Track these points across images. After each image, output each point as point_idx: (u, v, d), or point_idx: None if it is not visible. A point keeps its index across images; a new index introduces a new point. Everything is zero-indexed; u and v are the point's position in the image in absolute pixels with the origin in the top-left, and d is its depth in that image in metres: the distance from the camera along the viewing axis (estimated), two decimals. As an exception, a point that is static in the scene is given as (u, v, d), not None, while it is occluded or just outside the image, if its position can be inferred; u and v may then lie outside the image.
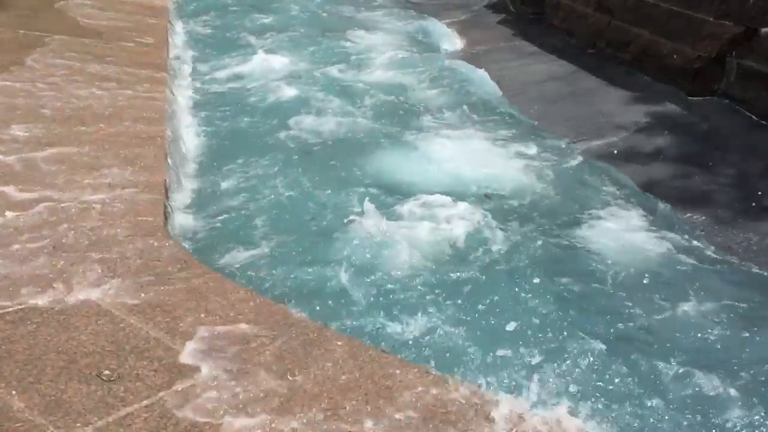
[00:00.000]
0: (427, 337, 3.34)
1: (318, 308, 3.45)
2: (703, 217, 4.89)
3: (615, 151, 6.07)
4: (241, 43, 8.76)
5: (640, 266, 4.10)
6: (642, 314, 3.67)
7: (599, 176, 5.47)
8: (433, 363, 3.09)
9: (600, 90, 7.63)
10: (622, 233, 4.51)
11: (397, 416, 2.11)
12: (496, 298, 3.70)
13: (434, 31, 9.82)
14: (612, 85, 7.70)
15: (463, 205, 4.53)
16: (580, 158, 5.86)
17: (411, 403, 2.18)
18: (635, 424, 2.92)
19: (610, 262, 4.16)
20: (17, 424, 1.96)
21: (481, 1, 11.35)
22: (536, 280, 3.87)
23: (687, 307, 3.76)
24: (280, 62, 7.71)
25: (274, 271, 3.81)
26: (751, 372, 3.26)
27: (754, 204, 5.07)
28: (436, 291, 3.74)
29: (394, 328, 3.38)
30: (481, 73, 7.73)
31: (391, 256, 4.00)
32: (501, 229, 4.38)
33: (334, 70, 7.60)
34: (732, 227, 4.76)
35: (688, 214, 4.91)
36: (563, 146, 6.10)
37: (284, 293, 3.57)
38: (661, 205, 4.98)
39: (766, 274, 4.15)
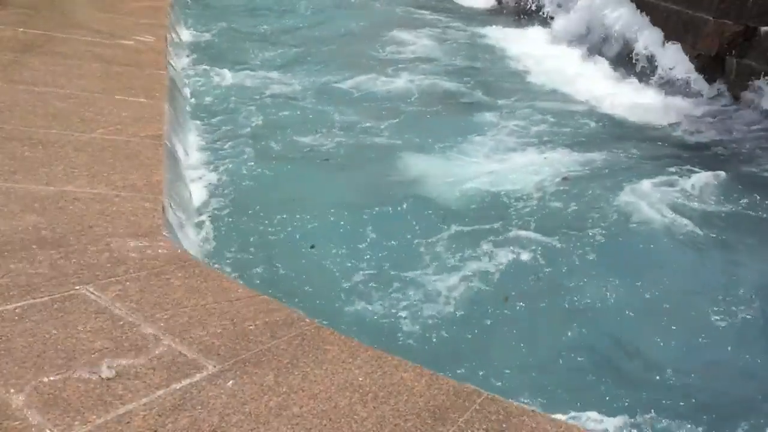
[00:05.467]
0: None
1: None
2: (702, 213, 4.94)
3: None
4: (247, 45, 8.71)
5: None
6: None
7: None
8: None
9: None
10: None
11: (395, 416, 2.11)
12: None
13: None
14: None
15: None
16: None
17: (409, 402, 2.17)
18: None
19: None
20: (15, 422, 1.96)
21: None
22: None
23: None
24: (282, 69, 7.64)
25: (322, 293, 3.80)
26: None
27: (752, 199, 5.10)
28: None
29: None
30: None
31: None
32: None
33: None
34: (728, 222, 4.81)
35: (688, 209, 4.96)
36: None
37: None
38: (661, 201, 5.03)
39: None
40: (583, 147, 5.90)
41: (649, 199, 4.91)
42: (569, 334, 3.63)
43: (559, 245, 4.35)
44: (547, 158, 5.58)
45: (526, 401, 3.03)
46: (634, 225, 4.65)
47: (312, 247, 4.16)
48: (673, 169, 5.45)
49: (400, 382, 2.26)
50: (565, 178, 5.22)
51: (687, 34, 7.24)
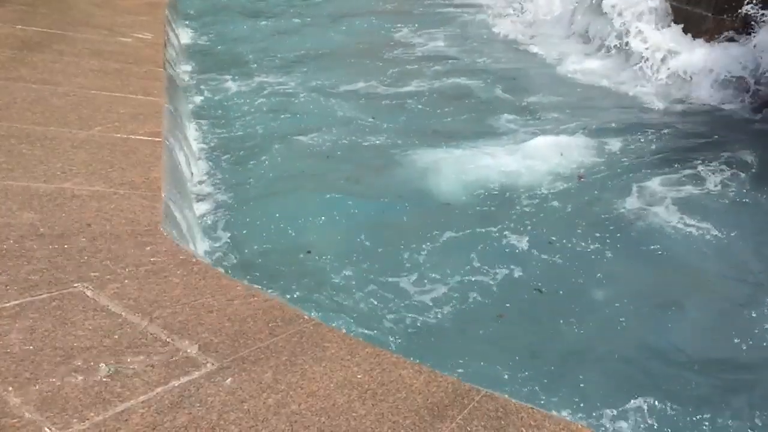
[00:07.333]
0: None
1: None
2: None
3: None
4: (249, 42, 8.64)
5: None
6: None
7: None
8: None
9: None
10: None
11: (393, 413, 2.11)
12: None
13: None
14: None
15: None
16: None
17: (408, 399, 2.17)
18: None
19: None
20: (13, 420, 1.96)
21: None
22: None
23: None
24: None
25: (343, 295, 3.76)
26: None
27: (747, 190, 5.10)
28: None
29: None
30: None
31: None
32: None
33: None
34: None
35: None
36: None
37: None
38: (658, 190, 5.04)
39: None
40: (602, 143, 5.82)
41: (667, 201, 4.83)
42: (571, 337, 3.58)
43: (566, 250, 4.27)
44: (564, 155, 5.51)
45: (524, 394, 3.03)
46: (651, 229, 4.55)
47: (309, 252, 4.14)
48: (691, 167, 5.37)
49: (399, 380, 2.26)
50: (580, 177, 5.16)
51: (687, 31, 7.26)
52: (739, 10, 6.73)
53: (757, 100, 6.54)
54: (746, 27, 6.67)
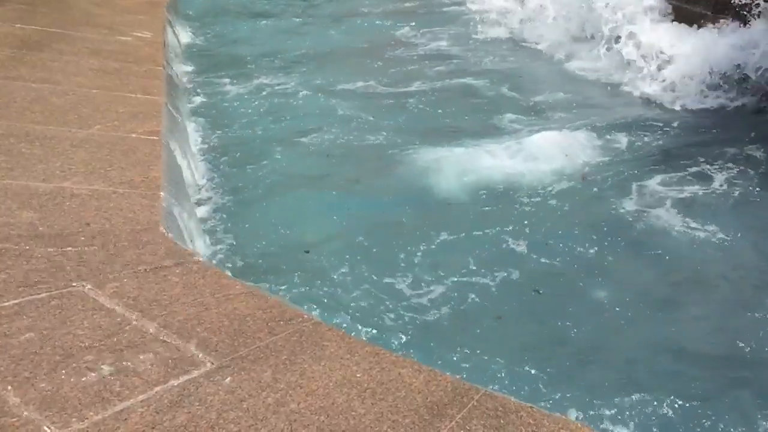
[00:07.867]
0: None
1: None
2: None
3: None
4: (249, 40, 8.63)
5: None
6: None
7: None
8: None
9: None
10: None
11: (393, 412, 2.11)
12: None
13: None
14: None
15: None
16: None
17: (407, 398, 2.17)
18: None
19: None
20: (13, 419, 1.95)
21: None
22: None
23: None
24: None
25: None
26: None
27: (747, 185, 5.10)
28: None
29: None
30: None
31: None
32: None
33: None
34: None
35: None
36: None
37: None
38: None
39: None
40: (606, 143, 5.77)
41: (671, 201, 4.78)
42: (571, 337, 3.56)
43: (569, 250, 4.23)
44: (568, 155, 5.46)
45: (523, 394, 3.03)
46: (656, 228, 4.50)
47: (307, 252, 4.13)
48: (695, 165, 5.33)
49: (398, 379, 2.26)
50: (583, 177, 5.12)
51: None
52: (734, 0, 6.75)
53: (759, 96, 6.53)
54: (745, 22, 6.67)
